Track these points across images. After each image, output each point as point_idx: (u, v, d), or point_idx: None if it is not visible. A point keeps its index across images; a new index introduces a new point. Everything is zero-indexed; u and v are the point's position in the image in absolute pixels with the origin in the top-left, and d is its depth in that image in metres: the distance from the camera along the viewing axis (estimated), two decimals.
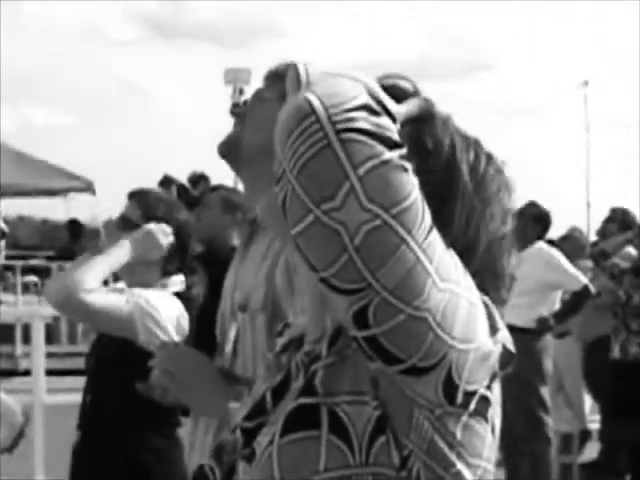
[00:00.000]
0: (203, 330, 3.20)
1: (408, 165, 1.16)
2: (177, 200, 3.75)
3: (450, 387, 1.19)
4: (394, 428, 1.23)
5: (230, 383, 1.85)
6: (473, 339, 1.19)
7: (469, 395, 1.21)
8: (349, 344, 1.25)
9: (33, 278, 19.06)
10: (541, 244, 7.16)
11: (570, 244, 8.38)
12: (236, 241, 4.94)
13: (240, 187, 3.32)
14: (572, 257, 7.52)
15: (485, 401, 1.25)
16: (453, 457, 1.24)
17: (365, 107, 1.15)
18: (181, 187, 8.13)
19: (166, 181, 8.07)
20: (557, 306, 7.10)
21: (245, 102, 1.55)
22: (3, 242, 16.98)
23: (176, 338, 3.12)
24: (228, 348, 2.69)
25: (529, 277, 6.93)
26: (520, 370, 5.62)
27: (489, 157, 1.35)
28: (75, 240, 15.77)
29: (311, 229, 1.14)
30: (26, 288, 18.37)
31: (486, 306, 1.25)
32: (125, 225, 3.33)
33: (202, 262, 4.82)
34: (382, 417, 1.23)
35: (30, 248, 24.30)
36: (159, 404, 2.99)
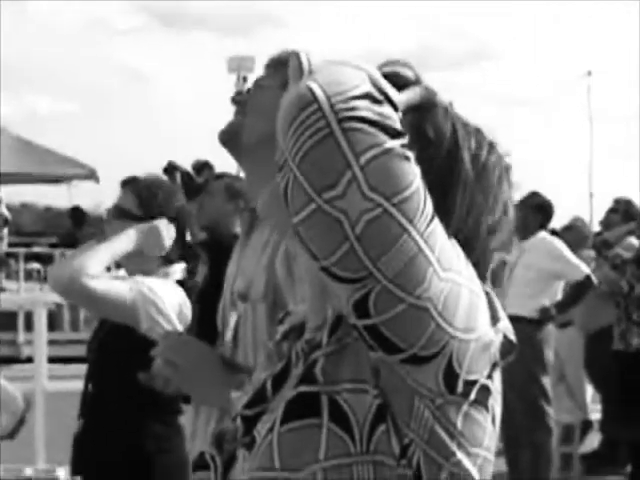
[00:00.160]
0: (205, 318, 3.21)
1: (410, 154, 1.15)
2: (173, 185, 3.73)
3: (451, 376, 1.19)
4: (394, 417, 1.23)
5: (232, 372, 1.85)
6: (474, 328, 1.19)
7: (470, 384, 1.21)
8: (350, 332, 1.25)
9: (36, 265, 19.09)
10: (543, 234, 7.15)
11: (573, 234, 8.37)
12: (239, 229, 4.94)
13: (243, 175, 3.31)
14: (574, 247, 7.52)
15: (486, 390, 1.25)
16: (453, 446, 1.24)
17: (367, 96, 1.15)
18: (185, 174, 8.13)
19: (170, 168, 8.07)
20: (559, 296, 7.09)
21: (248, 90, 1.55)
22: (6, 229, 16.98)
23: (179, 326, 3.12)
24: (229, 337, 2.70)
25: (531, 267, 6.93)
26: (522, 360, 5.64)
27: (491, 145, 1.34)
28: (78, 227, 15.78)
29: (312, 218, 1.14)
30: (29, 275, 18.41)
31: (487, 295, 1.25)
32: (120, 214, 3.32)
33: (205, 249, 4.82)
34: (383, 406, 1.23)
35: (33, 235, 24.32)
36: (161, 393, 3.00)
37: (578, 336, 8.06)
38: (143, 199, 3.31)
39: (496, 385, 1.28)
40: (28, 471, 6.80)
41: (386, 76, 1.23)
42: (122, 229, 3.27)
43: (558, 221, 8.32)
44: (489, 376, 1.25)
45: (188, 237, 3.43)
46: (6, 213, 16.75)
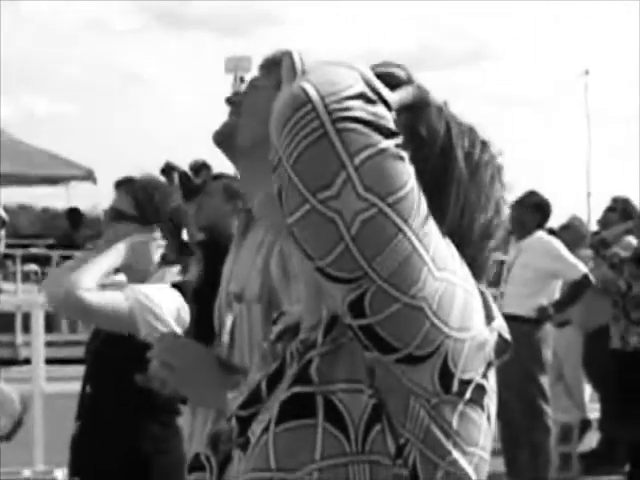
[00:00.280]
0: (202, 318, 3.20)
1: (404, 154, 1.15)
2: (168, 186, 3.72)
3: (446, 376, 1.19)
4: (390, 417, 1.23)
5: (228, 373, 1.85)
6: (469, 328, 1.19)
7: (465, 384, 1.21)
8: (344, 332, 1.25)
9: (33, 267, 19.07)
10: (541, 233, 7.16)
11: (570, 233, 8.38)
12: None
13: None
14: (572, 246, 7.53)
15: (481, 389, 1.25)
16: (449, 445, 1.24)
17: (361, 96, 1.15)
18: (183, 175, 8.12)
19: (168, 169, 8.06)
20: (557, 295, 7.10)
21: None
22: (3, 231, 16.97)
23: (177, 330, 3.12)
24: (225, 338, 2.70)
25: (529, 266, 6.93)
26: (520, 359, 5.64)
27: (484, 144, 1.35)
28: (75, 229, 15.76)
29: (307, 218, 1.14)
30: (26, 277, 18.38)
31: (482, 295, 1.25)
32: (117, 216, 3.30)
33: (202, 249, 4.81)
34: (378, 405, 1.23)
35: (31, 237, 24.31)
36: (158, 394, 2.99)
37: (576, 335, 8.07)
38: (139, 200, 3.30)
39: (491, 384, 1.28)
40: (26, 473, 6.80)
41: (379, 76, 1.23)
42: (120, 231, 3.26)
43: (556, 220, 8.34)
44: (484, 375, 1.25)
45: (186, 237, 3.42)
46: (3, 214, 16.74)
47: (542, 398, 6.93)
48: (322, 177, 1.12)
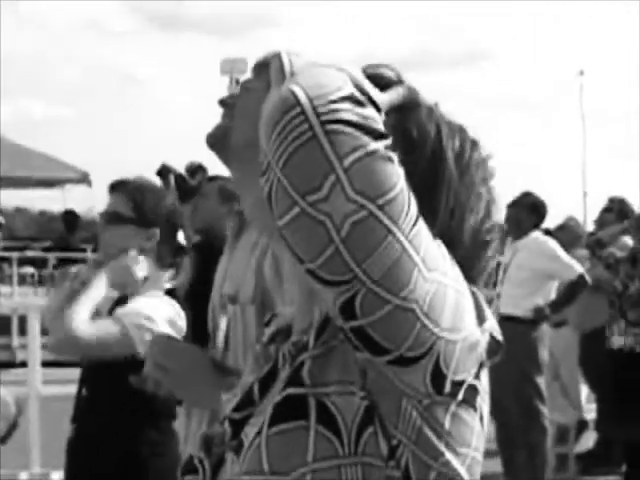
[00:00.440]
0: (196, 321, 3.20)
1: (393, 155, 1.15)
2: (162, 187, 3.70)
3: (438, 377, 1.19)
4: (382, 418, 1.22)
5: (222, 374, 1.85)
6: (461, 329, 1.19)
7: (457, 385, 1.21)
8: (337, 334, 1.24)
9: (29, 269, 19.06)
10: (537, 233, 7.17)
11: (566, 233, 8.39)
12: None
13: None
14: (568, 247, 7.54)
15: (473, 390, 1.25)
16: (442, 447, 1.24)
17: (350, 98, 1.15)
18: (179, 177, 8.11)
19: (164, 171, 8.04)
20: (553, 296, 7.10)
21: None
22: (0, 234, 16.96)
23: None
24: (219, 340, 2.69)
25: (525, 267, 6.94)
26: (516, 360, 5.66)
27: (474, 144, 1.35)
28: (71, 231, 15.75)
29: (297, 221, 1.13)
30: (22, 279, 18.37)
31: (473, 295, 1.25)
32: (114, 219, 3.28)
33: (197, 252, 4.81)
34: (370, 407, 1.23)
35: (27, 239, 24.29)
36: (154, 397, 2.98)
37: (572, 335, 8.07)
38: (137, 202, 3.28)
39: (484, 385, 1.28)
40: (23, 475, 6.81)
41: (369, 77, 1.23)
42: (118, 235, 3.25)
43: (552, 221, 8.34)
44: (477, 376, 1.25)
45: (182, 240, 3.41)
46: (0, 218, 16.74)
47: (538, 399, 6.93)
48: (311, 180, 1.12)
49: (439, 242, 1.22)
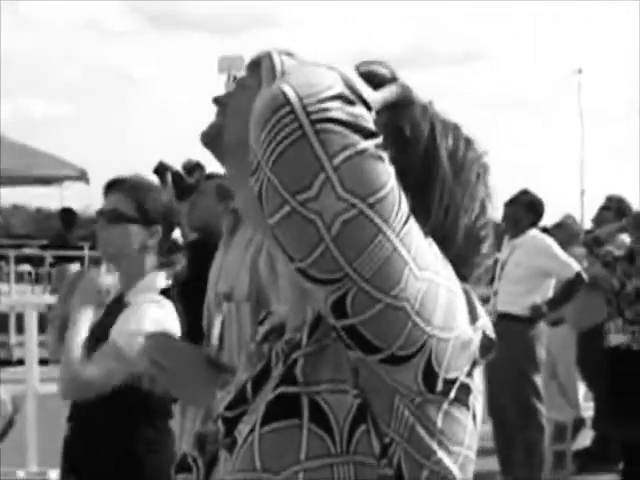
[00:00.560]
0: (190, 318, 3.20)
1: (384, 154, 1.15)
2: (158, 184, 3.68)
3: (430, 375, 1.19)
4: (374, 416, 1.22)
5: (217, 372, 1.85)
6: (453, 327, 1.19)
7: (449, 383, 1.21)
8: (329, 333, 1.24)
9: (27, 267, 19.08)
10: (534, 232, 7.17)
11: (563, 232, 8.39)
12: None
13: None
14: (565, 245, 7.54)
15: (466, 389, 1.25)
16: (434, 445, 1.24)
17: (340, 96, 1.15)
18: (176, 174, 8.10)
19: (161, 168, 8.03)
20: (550, 293, 7.10)
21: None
22: None
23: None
24: (214, 337, 2.69)
25: (522, 264, 6.94)
26: (513, 358, 5.66)
27: (468, 142, 1.35)
28: (68, 229, 15.74)
29: (287, 220, 1.13)
30: (20, 277, 18.38)
31: (466, 294, 1.25)
32: (117, 218, 3.26)
33: (191, 250, 4.80)
34: (363, 405, 1.23)
35: (24, 237, 24.31)
36: (150, 395, 2.98)
37: (570, 333, 8.07)
38: (138, 200, 3.26)
39: (477, 383, 1.28)
40: (20, 474, 6.80)
41: (362, 75, 1.23)
42: (120, 234, 3.23)
43: (549, 219, 8.34)
44: (469, 374, 1.25)
45: (179, 237, 3.40)
46: None
47: (536, 397, 6.93)
48: (301, 178, 1.12)
49: (431, 241, 1.22)
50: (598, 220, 8.34)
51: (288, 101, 1.13)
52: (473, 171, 1.34)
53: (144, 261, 3.27)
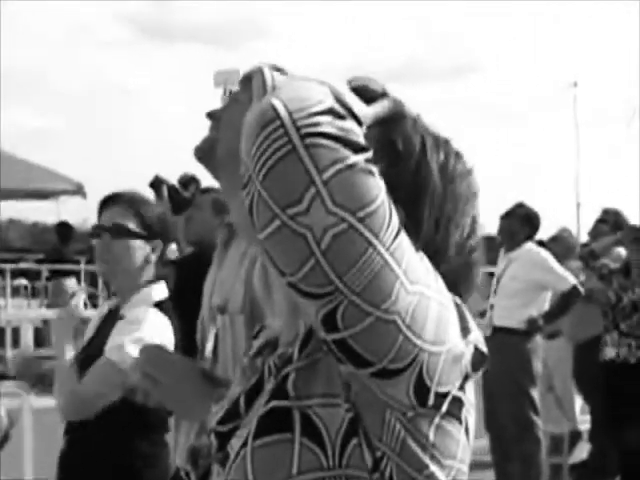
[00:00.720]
0: (186, 332, 3.19)
1: (374, 168, 1.15)
2: (151, 197, 3.66)
3: (421, 389, 1.19)
4: (366, 430, 1.22)
5: (212, 385, 1.84)
6: (444, 341, 1.19)
7: (441, 397, 1.21)
8: (321, 347, 1.24)
9: (23, 281, 19.05)
10: (530, 245, 7.17)
11: (559, 245, 8.38)
12: None
13: None
14: (561, 258, 7.54)
15: (458, 402, 1.25)
16: (426, 459, 1.24)
17: (330, 111, 1.15)
18: (172, 188, 8.11)
19: (157, 182, 8.04)
20: (546, 307, 7.10)
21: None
22: None
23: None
24: (208, 350, 2.69)
25: (518, 278, 6.94)
26: (510, 371, 5.65)
27: (458, 156, 1.35)
28: (65, 243, 15.71)
29: (278, 234, 1.14)
30: (16, 291, 18.35)
31: (458, 307, 1.25)
32: (123, 233, 3.24)
33: (191, 262, 4.80)
34: (354, 419, 1.23)
35: (21, 251, 24.28)
36: (147, 409, 2.98)
37: (566, 346, 8.07)
38: (141, 215, 3.27)
39: (469, 397, 1.28)
40: None
41: (354, 90, 1.23)
42: (126, 249, 3.22)
43: (545, 232, 8.34)
44: (461, 388, 1.25)
45: (175, 251, 3.40)
46: None
47: (532, 410, 6.92)
48: (291, 193, 1.12)
49: (422, 255, 1.22)
50: (594, 233, 8.34)
51: (278, 115, 1.13)
52: (463, 185, 1.34)
53: (141, 275, 3.27)
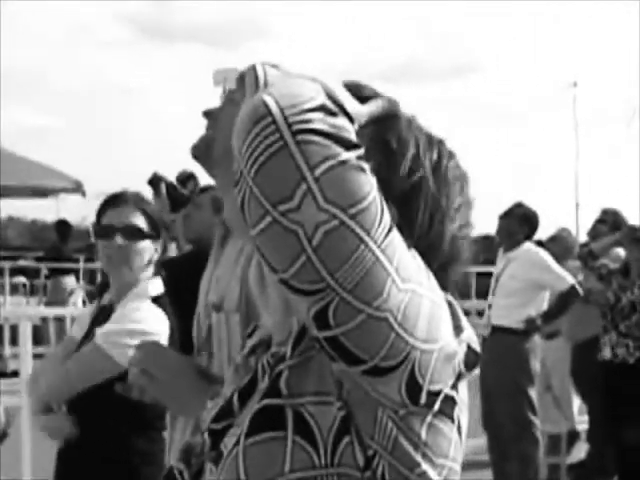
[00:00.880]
0: (182, 329, 3.19)
1: (366, 165, 1.15)
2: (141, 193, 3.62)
3: (414, 387, 1.18)
4: (358, 428, 1.22)
5: (208, 382, 1.85)
6: (437, 339, 1.19)
7: (433, 395, 1.21)
8: (314, 345, 1.24)
9: (21, 279, 19.04)
10: (529, 245, 7.17)
11: (558, 245, 8.38)
12: None
13: None
14: (560, 258, 7.53)
15: (450, 401, 1.25)
16: (418, 457, 1.24)
17: (322, 108, 1.15)
18: (170, 186, 8.11)
19: (155, 179, 8.04)
20: (545, 306, 7.10)
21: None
22: None
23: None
24: (203, 348, 2.69)
25: (517, 277, 6.94)
26: (508, 371, 5.64)
27: (451, 155, 1.35)
28: (64, 241, 15.71)
29: (269, 230, 1.14)
30: (14, 289, 18.34)
31: (450, 306, 1.25)
32: (137, 235, 3.24)
33: (190, 260, 4.80)
34: (347, 417, 1.23)
35: (20, 249, 24.28)
36: (144, 407, 2.98)
37: (564, 346, 8.07)
38: (148, 215, 3.26)
39: (462, 396, 1.28)
40: None
41: (350, 89, 1.23)
42: (136, 249, 3.22)
43: (544, 232, 8.34)
44: (454, 387, 1.25)
45: (175, 249, 3.41)
46: None
47: (530, 410, 6.92)
48: (283, 189, 1.12)
49: (414, 253, 1.22)
50: (593, 233, 8.33)
51: (270, 112, 1.13)
52: (456, 184, 1.34)
53: (143, 275, 3.27)
